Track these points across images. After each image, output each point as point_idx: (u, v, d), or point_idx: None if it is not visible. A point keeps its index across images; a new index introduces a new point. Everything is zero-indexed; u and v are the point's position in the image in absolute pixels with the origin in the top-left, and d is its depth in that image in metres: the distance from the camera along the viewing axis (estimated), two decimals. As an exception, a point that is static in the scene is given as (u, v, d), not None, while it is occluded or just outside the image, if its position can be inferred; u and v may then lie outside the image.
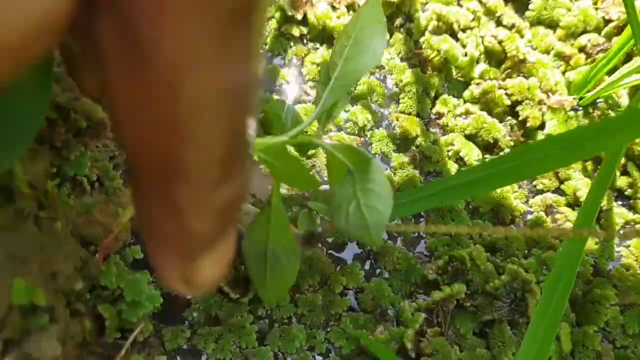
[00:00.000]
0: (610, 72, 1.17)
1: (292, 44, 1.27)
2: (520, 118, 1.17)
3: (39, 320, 0.58)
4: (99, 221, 0.79)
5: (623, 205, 1.14)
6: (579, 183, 1.12)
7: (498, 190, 1.10)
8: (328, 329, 0.99)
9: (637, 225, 1.11)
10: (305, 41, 1.28)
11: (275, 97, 1.20)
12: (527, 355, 0.80)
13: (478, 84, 1.20)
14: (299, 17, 1.26)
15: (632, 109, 0.93)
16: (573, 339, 0.99)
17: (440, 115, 1.20)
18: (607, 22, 1.26)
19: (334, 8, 1.28)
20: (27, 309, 0.58)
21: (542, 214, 1.11)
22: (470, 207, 1.12)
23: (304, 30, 1.27)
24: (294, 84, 1.23)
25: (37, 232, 0.61)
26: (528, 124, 1.16)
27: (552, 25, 1.29)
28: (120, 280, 0.77)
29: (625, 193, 1.14)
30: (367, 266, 1.05)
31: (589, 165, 1.16)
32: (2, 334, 0.53)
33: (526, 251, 1.08)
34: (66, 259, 0.66)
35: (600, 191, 0.87)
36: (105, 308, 0.75)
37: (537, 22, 1.29)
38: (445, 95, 1.22)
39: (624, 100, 1.20)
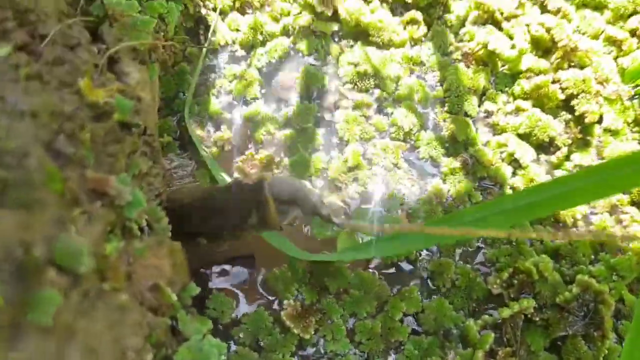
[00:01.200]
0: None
1: (324, 42, 1.19)
2: (576, 113, 1.10)
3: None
4: (153, 264, 0.74)
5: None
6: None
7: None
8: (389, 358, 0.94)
9: None
10: (337, 39, 1.21)
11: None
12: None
13: (528, 77, 1.13)
14: (329, 13, 1.18)
15: None
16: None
17: (489, 114, 1.14)
18: (660, 1, 1.18)
19: (366, 1, 1.20)
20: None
21: (607, 215, 1.05)
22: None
23: (336, 27, 1.20)
24: (331, 85, 1.16)
25: (104, 310, 0.56)
26: (586, 120, 1.09)
27: (600, 7, 1.21)
28: (190, 356, 0.71)
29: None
30: (424, 285, 1.00)
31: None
32: None
33: (592, 257, 1.02)
34: (134, 330, 0.60)
35: None
36: None
37: (582, 4, 1.21)
38: (492, 91, 1.15)
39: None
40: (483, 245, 1.04)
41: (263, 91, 1.15)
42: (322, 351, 0.94)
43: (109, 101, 0.70)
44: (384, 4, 1.22)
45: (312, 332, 0.92)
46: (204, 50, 1.14)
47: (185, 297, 0.77)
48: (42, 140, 0.58)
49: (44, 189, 0.55)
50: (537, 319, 0.94)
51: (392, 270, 1.01)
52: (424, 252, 1.02)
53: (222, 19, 1.19)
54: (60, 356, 0.48)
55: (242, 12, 1.21)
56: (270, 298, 0.96)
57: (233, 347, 0.92)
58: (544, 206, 0.77)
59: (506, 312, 0.93)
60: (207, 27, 1.17)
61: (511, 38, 1.14)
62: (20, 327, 0.46)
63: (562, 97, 1.11)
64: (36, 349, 0.46)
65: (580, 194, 0.74)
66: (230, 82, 1.15)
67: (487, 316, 0.97)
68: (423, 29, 1.20)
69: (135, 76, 0.79)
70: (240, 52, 1.18)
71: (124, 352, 0.58)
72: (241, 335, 0.91)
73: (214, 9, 1.19)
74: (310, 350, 0.93)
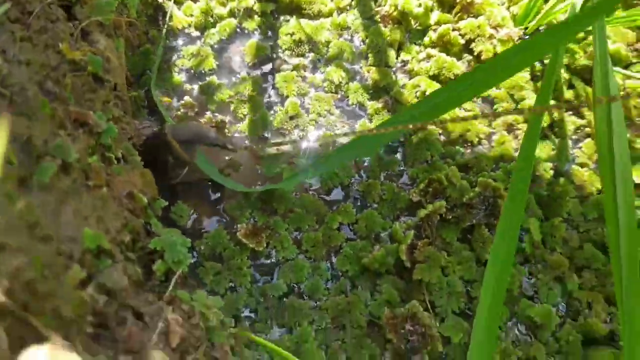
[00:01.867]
0: (546, 1, 1.32)
1: (265, 19, 1.42)
2: (475, 54, 1.33)
3: (106, 261, 0.75)
4: (127, 179, 0.96)
5: (573, 114, 1.30)
6: (533, 101, 1.29)
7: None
8: (333, 259, 1.16)
9: (586, 129, 1.28)
10: (276, 15, 1.44)
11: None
12: (499, 247, 0.97)
13: (435, 29, 1.36)
14: (268, -5, 1.41)
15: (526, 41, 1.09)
16: (542, 231, 1.16)
17: (405, 63, 1.37)
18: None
19: (297, -18, 1.43)
20: (95, 253, 0.75)
21: (505, 133, 1.28)
22: (442, 137, 1.29)
23: (273, 6, 1.43)
24: (273, 54, 1.38)
25: (89, 197, 0.78)
26: (482, 58, 1.32)
27: (493, -33, 1.44)
28: (161, 242, 0.94)
29: (574, 102, 1.31)
30: (357, 203, 1.22)
31: (540, 84, 1.32)
32: (83, 269, 0.70)
33: (494, 166, 1.24)
34: (115, 217, 0.82)
35: (545, 99, 1.02)
36: (159, 267, 0.91)
37: (479, -34, 1.45)
38: (407, 45, 1.38)
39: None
40: (405, 168, 1.26)
41: (217, 64, 1.38)
42: (275, 260, 1.15)
43: (83, 59, 0.92)
44: (313, -17, 1.45)
45: (265, 246, 1.14)
46: (164, 32, 1.37)
47: (156, 208, 0.99)
48: (35, 80, 0.81)
49: (39, 111, 0.77)
50: (450, 216, 1.16)
51: (329, 195, 1.23)
52: (354, 179, 1.24)
53: (178, 7, 1.43)
54: (58, 211, 0.70)
55: None
56: (228, 220, 1.19)
57: (195, 259, 1.14)
58: (445, 104, 0.97)
59: (423, 213, 1.15)
60: (165, 14, 1.40)
61: (418, -1, 1.38)
62: (28, 184, 0.68)
63: (462, 42, 1.34)
64: (40, 201, 0.68)
65: (465, 92, 0.96)
66: (189, 59, 1.38)
67: (410, 221, 1.19)
68: None
69: (103, 42, 1.02)
70: (196, 33, 1.41)
71: (107, 228, 0.80)
72: (202, 247, 1.13)
73: None
74: (266, 261, 1.15)
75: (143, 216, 0.95)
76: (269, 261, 1.15)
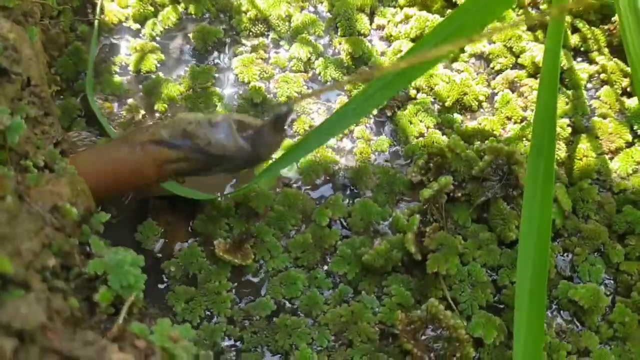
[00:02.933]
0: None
1: (213, 1, 1.23)
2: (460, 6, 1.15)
3: (13, 292, 0.55)
4: (50, 190, 0.76)
5: (583, 61, 1.13)
6: (535, 51, 1.11)
7: (458, 80, 1.09)
8: (328, 263, 0.96)
9: (601, 75, 1.10)
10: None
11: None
12: (530, 222, 0.78)
13: (409, -14, 1.18)
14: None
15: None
16: (571, 197, 0.97)
17: (381, 28, 1.19)
18: None
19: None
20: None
21: (508, 91, 1.10)
22: (437, 105, 1.10)
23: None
24: (226, 38, 1.20)
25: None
26: (469, 9, 1.14)
27: None
28: (102, 265, 0.73)
29: (582, 49, 1.13)
30: (347, 193, 1.03)
31: (539, 33, 1.15)
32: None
33: (502, 130, 1.06)
34: (30, 236, 0.62)
35: (555, 49, 0.85)
36: (102, 295, 0.71)
37: None
38: (380, 8, 1.20)
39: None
40: (398, 147, 1.07)
41: (162, 57, 1.18)
42: (264, 273, 0.95)
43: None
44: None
45: (252, 257, 0.94)
46: (95, 27, 1.17)
47: (95, 224, 0.79)
48: None
49: None
50: (459, 194, 0.98)
51: (314, 187, 1.03)
52: (339, 165, 1.05)
53: (110, -1, 1.23)
54: None
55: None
56: (200, 239, 0.98)
57: (165, 283, 0.93)
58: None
59: (427, 193, 0.96)
60: (95, 5, 1.20)
61: (385, -46, 1.20)
62: None
63: (443, -5, 1.16)
64: None
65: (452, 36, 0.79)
66: (130, 55, 1.18)
67: (412, 205, 1.00)
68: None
69: (7, 27, 0.82)
70: (135, 26, 1.22)
71: (16, 249, 0.60)
72: (173, 269, 0.93)
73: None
74: (255, 278, 0.95)
75: (76, 235, 0.74)
76: (257, 278, 0.95)
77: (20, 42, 0.85)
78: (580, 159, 1.01)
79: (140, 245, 0.96)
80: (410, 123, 1.07)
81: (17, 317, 0.53)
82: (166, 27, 1.21)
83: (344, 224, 1.00)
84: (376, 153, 1.06)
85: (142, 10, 1.22)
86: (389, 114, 1.10)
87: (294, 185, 1.03)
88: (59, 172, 0.80)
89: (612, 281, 0.95)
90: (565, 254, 0.96)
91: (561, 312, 0.93)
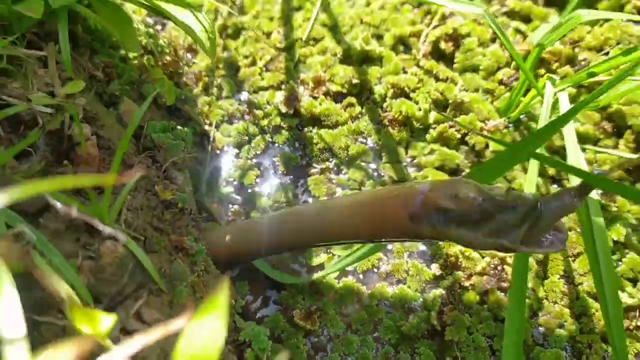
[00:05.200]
0: (525, 94, 1.65)
1: (291, 133, 1.75)
2: (470, 145, 1.65)
3: None
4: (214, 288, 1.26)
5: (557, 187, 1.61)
6: (522, 180, 1.60)
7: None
8: (376, 332, 1.44)
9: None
10: (300, 128, 1.76)
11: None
12: (513, 307, 1.25)
13: (434, 127, 1.69)
14: (292, 112, 1.75)
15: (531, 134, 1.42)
16: (544, 288, 1.44)
17: (414, 158, 1.68)
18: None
19: (315, 98, 1.77)
20: None
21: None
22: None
23: (298, 120, 1.76)
24: (302, 161, 1.71)
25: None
26: (477, 148, 1.64)
27: (475, 69, 1.78)
28: (248, 334, 1.23)
29: (556, 177, 1.62)
30: (386, 279, 1.51)
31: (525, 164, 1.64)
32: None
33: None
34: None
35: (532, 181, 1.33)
36: (249, 355, 1.20)
37: (463, 70, 1.79)
38: (413, 142, 1.70)
39: (540, 112, 1.69)
40: (427, 245, 1.56)
41: (255, 174, 1.69)
42: (325, 337, 1.43)
43: (173, 197, 1.23)
44: (328, 97, 1.78)
45: (318, 325, 1.42)
46: (209, 153, 1.69)
47: (237, 307, 1.28)
48: (147, 221, 1.11)
49: (155, 245, 1.07)
50: (467, 284, 1.45)
51: (364, 276, 1.52)
52: (381, 261, 1.54)
53: (218, 130, 1.75)
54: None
55: (230, 122, 1.78)
56: (281, 307, 1.47)
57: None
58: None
59: (444, 283, 1.44)
60: (209, 137, 1.73)
61: (417, 103, 1.71)
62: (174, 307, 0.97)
63: (458, 136, 1.66)
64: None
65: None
66: (232, 172, 1.69)
67: (436, 291, 1.48)
68: (358, 108, 1.76)
69: (180, 178, 1.33)
70: (234, 151, 1.73)
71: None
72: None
73: (211, 124, 1.75)
74: (316, 339, 1.43)
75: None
76: (321, 338, 1.43)
77: (186, 185, 1.36)
78: (552, 260, 1.48)
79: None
80: (434, 231, 1.56)
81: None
82: (257, 152, 1.73)
83: (387, 303, 1.48)
84: (408, 252, 1.55)
85: (239, 140, 1.74)
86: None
87: (350, 275, 1.52)
88: (212, 272, 1.30)
89: (570, 347, 1.41)
90: (540, 328, 1.43)
91: (536, 368, 1.39)
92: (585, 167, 1.31)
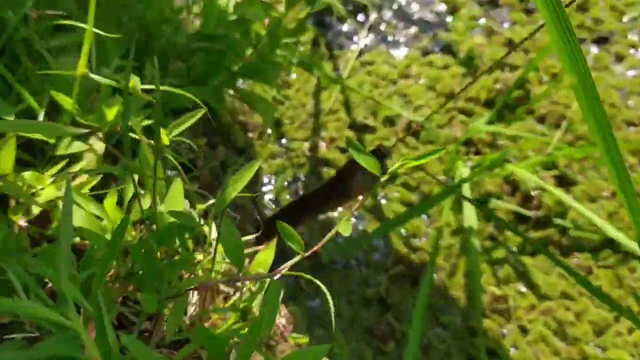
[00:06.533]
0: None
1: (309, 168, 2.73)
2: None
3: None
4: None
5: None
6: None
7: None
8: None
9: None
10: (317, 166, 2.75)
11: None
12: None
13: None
14: (313, 155, 2.75)
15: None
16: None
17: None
18: None
19: (328, 149, 2.76)
20: None
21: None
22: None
23: (314, 161, 2.75)
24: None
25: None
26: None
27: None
28: None
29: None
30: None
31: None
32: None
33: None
34: None
35: None
36: None
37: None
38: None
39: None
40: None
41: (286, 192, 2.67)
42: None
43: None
44: (337, 149, 2.77)
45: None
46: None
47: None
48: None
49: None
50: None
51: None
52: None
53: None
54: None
55: (274, 158, 2.77)
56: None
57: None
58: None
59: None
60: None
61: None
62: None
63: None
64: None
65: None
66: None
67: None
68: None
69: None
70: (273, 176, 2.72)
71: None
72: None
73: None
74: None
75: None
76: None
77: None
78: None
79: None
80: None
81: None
82: (287, 179, 2.71)
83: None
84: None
85: (276, 170, 2.73)
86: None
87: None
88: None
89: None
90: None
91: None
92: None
